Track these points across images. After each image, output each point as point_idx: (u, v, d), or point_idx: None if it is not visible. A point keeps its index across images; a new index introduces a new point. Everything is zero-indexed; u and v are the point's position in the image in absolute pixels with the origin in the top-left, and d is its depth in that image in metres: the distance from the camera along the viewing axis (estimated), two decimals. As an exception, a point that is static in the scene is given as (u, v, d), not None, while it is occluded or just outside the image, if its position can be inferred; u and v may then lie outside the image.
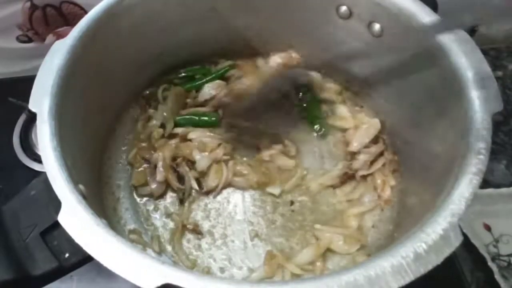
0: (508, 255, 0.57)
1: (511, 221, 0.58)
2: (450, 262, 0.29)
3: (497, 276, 0.52)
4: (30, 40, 0.72)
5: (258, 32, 0.59)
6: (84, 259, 0.36)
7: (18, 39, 0.71)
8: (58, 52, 0.41)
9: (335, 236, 0.48)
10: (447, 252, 0.29)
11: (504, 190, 0.59)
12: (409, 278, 0.28)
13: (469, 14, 0.70)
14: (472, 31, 0.71)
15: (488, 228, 0.58)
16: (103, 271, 0.54)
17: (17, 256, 0.36)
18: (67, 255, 0.36)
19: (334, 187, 0.52)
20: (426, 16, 0.43)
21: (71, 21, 0.70)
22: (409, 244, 0.29)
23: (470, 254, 0.55)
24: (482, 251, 0.54)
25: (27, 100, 0.39)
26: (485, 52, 0.40)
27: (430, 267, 0.28)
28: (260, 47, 0.60)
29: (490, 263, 0.53)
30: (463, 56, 0.39)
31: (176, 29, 0.55)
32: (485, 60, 0.39)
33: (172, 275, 0.28)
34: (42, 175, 0.38)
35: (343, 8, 0.50)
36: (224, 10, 0.55)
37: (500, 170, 0.63)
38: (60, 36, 0.69)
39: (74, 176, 0.36)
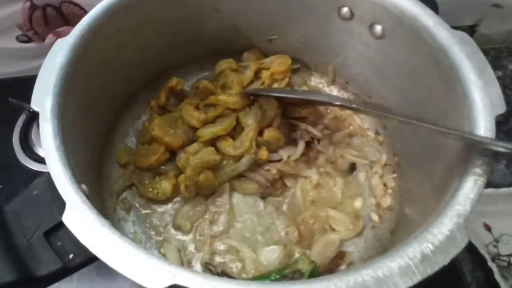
0: (508, 255, 0.57)
1: (511, 221, 0.58)
2: (450, 262, 0.30)
3: (497, 276, 0.53)
4: (30, 40, 0.71)
5: (258, 32, 0.59)
6: (89, 260, 0.35)
7: (18, 39, 0.71)
8: (60, 51, 0.41)
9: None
10: (453, 252, 0.29)
11: (504, 190, 0.59)
12: (417, 279, 0.28)
13: (469, 14, 0.70)
14: (472, 31, 0.71)
15: (488, 228, 0.58)
16: (103, 271, 0.55)
17: (21, 257, 0.36)
18: (71, 255, 0.36)
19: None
20: (428, 18, 0.43)
21: (71, 21, 0.70)
22: (416, 245, 0.29)
23: (470, 254, 0.55)
24: (482, 251, 0.54)
25: (27, 100, 0.38)
26: (485, 52, 0.40)
27: (437, 267, 0.29)
28: (261, 47, 0.61)
29: (490, 263, 0.54)
30: (465, 58, 0.39)
31: (177, 28, 0.55)
32: (487, 62, 0.39)
33: (180, 275, 0.28)
34: (44, 174, 0.37)
35: (345, 10, 0.50)
36: (225, 10, 0.55)
37: (500, 170, 0.64)
38: (60, 36, 0.69)
39: (77, 175, 0.35)
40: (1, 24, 0.67)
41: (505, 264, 0.57)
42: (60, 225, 0.35)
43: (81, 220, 0.32)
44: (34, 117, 0.66)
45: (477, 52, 0.40)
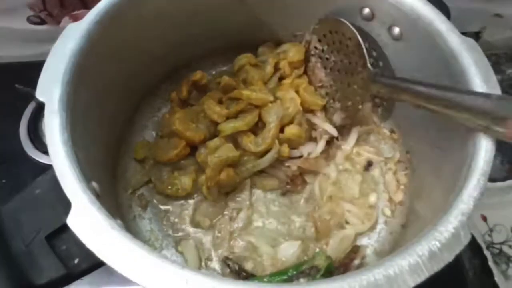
0: (500, 243, 0.60)
1: (504, 212, 0.61)
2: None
3: (491, 263, 0.55)
4: (43, 22, 0.65)
5: (284, 27, 0.58)
6: (96, 265, 0.33)
7: (29, 20, 0.64)
8: (71, 36, 0.38)
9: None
10: (457, 249, 0.31)
11: (499, 184, 0.61)
12: (424, 276, 0.29)
13: (474, 22, 0.73)
14: (477, 37, 0.74)
15: (484, 219, 0.61)
16: (115, 273, 0.52)
17: (19, 264, 0.33)
18: (76, 260, 0.33)
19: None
20: (441, 23, 0.43)
21: (89, 4, 0.63)
22: (425, 242, 0.30)
23: (469, 243, 0.57)
24: (479, 240, 0.56)
25: (37, 87, 0.36)
26: (486, 58, 0.41)
27: (442, 264, 0.30)
28: (286, 41, 0.59)
29: (485, 251, 0.56)
30: (472, 64, 0.40)
31: (201, 17, 0.53)
32: (491, 68, 0.40)
33: (194, 279, 0.27)
34: (48, 171, 0.35)
35: (366, 10, 0.49)
36: (252, 2, 0.54)
37: (495, 166, 0.65)
38: (77, 19, 0.60)
39: (87, 172, 0.34)
40: (11, 2, 0.61)
41: (497, 251, 0.59)
42: (64, 227, 0.31)
43: (88, 222, 0.30)
44: (43, 106, 0.62)
45: (483, 59, 0.41)
